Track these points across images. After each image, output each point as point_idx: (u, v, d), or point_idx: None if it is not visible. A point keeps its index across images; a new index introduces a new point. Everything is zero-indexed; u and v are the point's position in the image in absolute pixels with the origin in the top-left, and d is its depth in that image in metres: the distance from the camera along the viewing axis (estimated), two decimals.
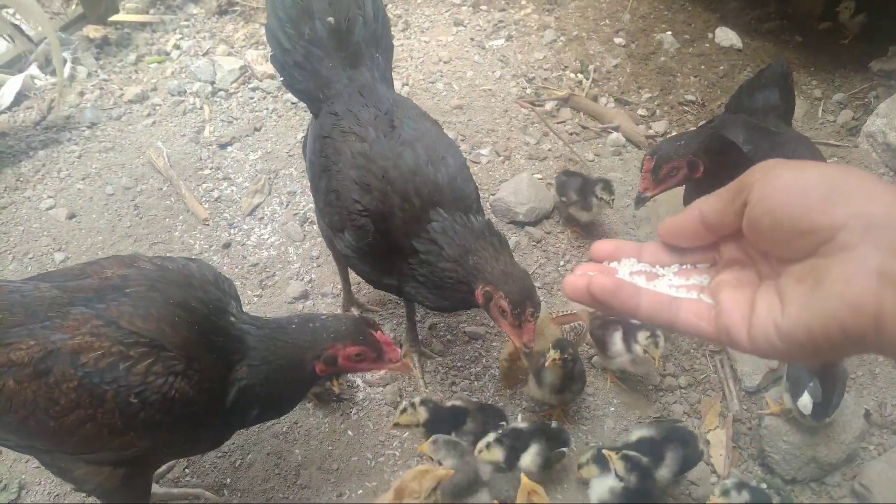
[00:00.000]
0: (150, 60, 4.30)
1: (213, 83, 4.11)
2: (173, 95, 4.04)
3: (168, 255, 3.21)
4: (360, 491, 2.50)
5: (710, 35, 4.62)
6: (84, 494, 2.40)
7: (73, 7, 4.55)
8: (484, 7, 4.77)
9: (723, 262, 0.95)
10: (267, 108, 3.99)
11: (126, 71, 4.23)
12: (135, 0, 4.64)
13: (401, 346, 2.89)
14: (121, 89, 4.08)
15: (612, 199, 3.19)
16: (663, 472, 2.35)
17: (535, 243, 3.33)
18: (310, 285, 3.11)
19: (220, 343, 1.84)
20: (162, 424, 1.75)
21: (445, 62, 4.31)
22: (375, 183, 2.23)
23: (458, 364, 2.86)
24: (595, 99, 4.13)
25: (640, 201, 2.71)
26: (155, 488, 2.32)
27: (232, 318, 1.90)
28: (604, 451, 2.31)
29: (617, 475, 2.26)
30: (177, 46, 4.38)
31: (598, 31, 4.62)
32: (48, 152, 3.70)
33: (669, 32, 4.60)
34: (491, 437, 2.34)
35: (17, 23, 4.20)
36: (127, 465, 1.89)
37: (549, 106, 4.06)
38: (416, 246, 2.21)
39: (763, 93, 2.96)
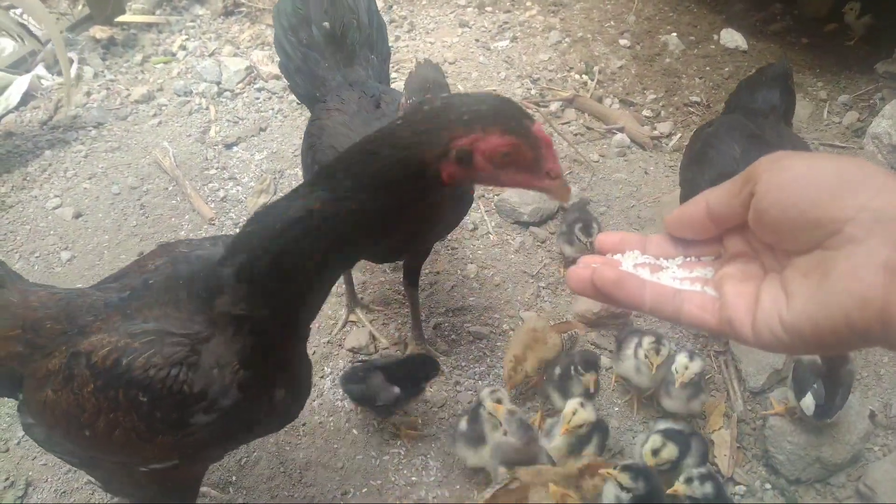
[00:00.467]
0: (157, 61, 4.32)
1: (218, 84, 4.12)
2: (179, 96, 4.06)
3: None
4: (365, 489, 2.50)
5: (716, 36, 4.61)
6: (91, 492, 2.42)
7: (80, 8, 4.58)
8: (489, 8, 4.78)
9: (727, 254, 0.95)
10: (272, 109, 4.00)
11: (132, 71, 4.25)
12: (141, 1, 4.67)
13: (406, 346, 2.91)
14: (127, 89, 4.10)
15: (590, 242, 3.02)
16: (689, 462, 2.36)
17: (539, 243, 3.33)
18: None
19: (224, 298, 1.40)
20: (185, 423, 1.48)
21: (451, 63, 4.32)
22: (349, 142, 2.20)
23: (463, 364, 2.87)
24: (600, 100, 4.14)
25: None
26: None
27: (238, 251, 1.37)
28: (602, 472, 2.19)
29: (624, 488, 2.14)
30: (183, 47, 4.40)
31: (603, 32, 4.63)
32: (55, 152, 3.72)
33: (675, 34, 4.60)
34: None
35: (25, 22, 4.22)
36: (171, 474, 1.70)
37: (553, 107, 4.06)
38: None
39: (763, 92, 2.94)
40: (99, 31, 4.37)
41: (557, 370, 2.62)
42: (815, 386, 2.40)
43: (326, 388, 2.75)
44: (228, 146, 3.77)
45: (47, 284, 1.85)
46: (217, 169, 3.65)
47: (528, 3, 4.83)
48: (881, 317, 0.71)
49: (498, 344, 2.93)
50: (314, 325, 2.96)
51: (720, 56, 4.48)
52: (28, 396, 1.69)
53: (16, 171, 3.62)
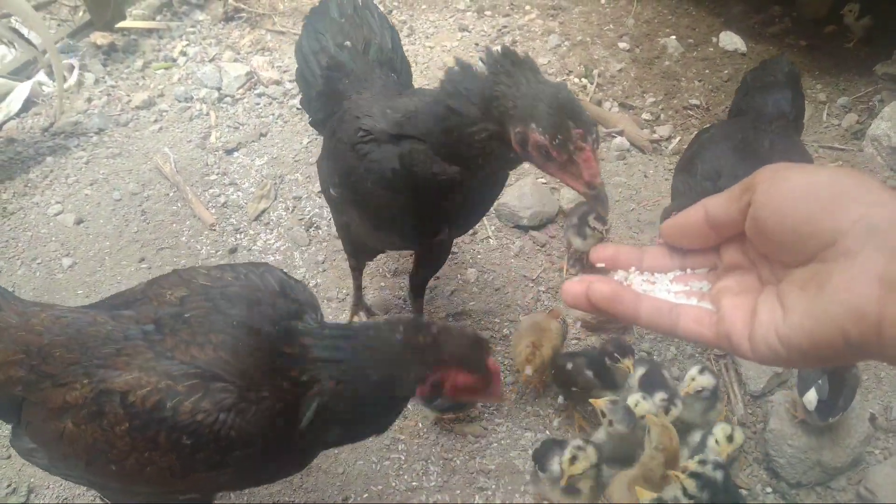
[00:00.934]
0: (157, 67, 4.32)
1: (219, 89, 4.13)
2: (180, 101, 4.07)
3: (176, 260, 3.23)
4: (366, 494, 2.51)
5: (715, 39, 4.62)
6: (92, 497, 2.43)
7: (81, 14, 4.58)
8: (488, 13, 4.78)
9: (723, 267, 0.95)
10: (273, 114, 4.01)
11: (133, 77, 4.26)
12: (141, 7, 4.68)
13: None
14: (128, 95, 4.11)
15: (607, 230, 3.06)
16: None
17: (539, 247, 3.34)
18: (315, 290, 3.13)
19: (288, 365, 1.57)
20: (225, 464, 1.55)
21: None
22: (376, 111, 2.10)
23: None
24: (599, 103, 4.14)
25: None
26: None
27: (305, 334, 1.60)
28: (671, 474, 2.20)
29: (688, 494, 2.14)
30: (183, 53, 4.41)
31: (602, 35, 4.63)
32: (56, 158, 3.73)
33: (674, 37, 4.60)
34: None
35: (20, 29, 4.22)
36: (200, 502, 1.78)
37: None
38: None
39: (772, 96, 2.86)
40: (100, 37, 4.38)
41: (590, 373, 2.60)
42: (819, 382, 2.39)
43: None
44: (229, 152, 3.78)
45: (44, 303, 1.82)
46: (218, 174, 3.66)
47: (528, 7, 4.84)
48: (876, 330, 0.71)
49: (498, 348, 2.94)
50: None
51: (719, 59, 4.48)
52: (35, 423, 1.66)
53: (17, 177, 3.63)
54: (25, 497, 2.46)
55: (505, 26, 4.65)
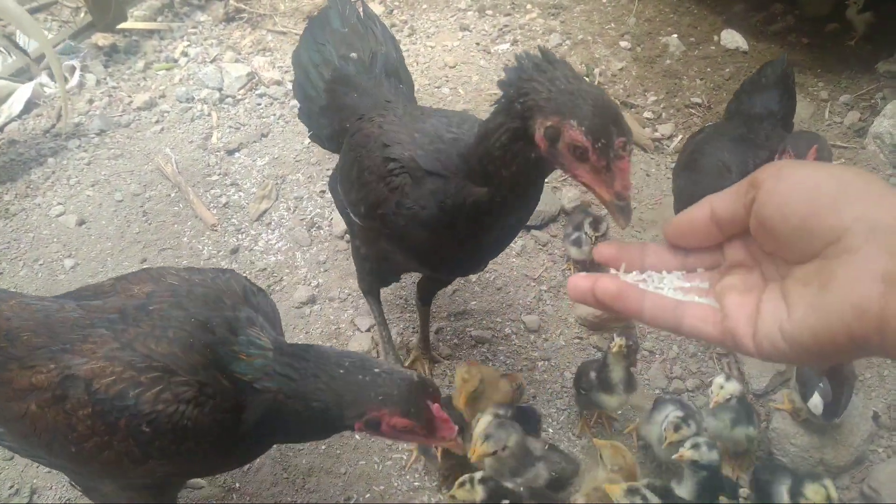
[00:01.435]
0: (159, 67, 4.33)
1: (220, 90, 4.13)
2: (181, 102, 4.07)
3: (177, 260, 3.24)
4: (368, 494, 2.51)
5: (716, 37, 4.61)
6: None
7: (82, 15, 4.59)
8: (489, 12, 4.78)
9: (727, 264, 0.95)
10: (274, 114, 4.01)
11: (134, 78, 4.27)
12: (143, 8, 4.68)
13: (409, 352, 2.91)
14: (129, 96, 4.11)
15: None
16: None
17: (541, 246, 3.33)
18: (317, 290, 3.13)
19: (242, 371, 1.65)
20: (180, 452, 1.64)
21: (451, 67, 4.32)
22: (405, 137, 2.01)
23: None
24: None
25: None
26: None
27: (261, 346, 1.68)
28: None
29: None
30: (184, 53, 4.42)
31: (603, 34, 4.63)
32: (58, 159, 3.74)
33: (675, 35, 4.59)
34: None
35: (16, 35, 4.23)
36: (152, 487, 1.85)
37: None
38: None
39: (762, 97, 2.93)
40: (101, 39, 4.39)
41: (593, 374, 2.55)
42: (821, 385, 2.40)
43: None
44: (230, 152, 3.78)
45: (14, 292, 1.88)
46: (219, 175, 3.66)
47: (529, 6, 4.84)
48: (879, 326, 0.72)
49: (500, 348, 2.94)
50: (316, 330, 2.98)
51: (721, 57, 4.48)
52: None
53: (19, 178, 3.63)
54: (28, 498, 2.46)
55: (506, 25, 4.65)
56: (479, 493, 2.16)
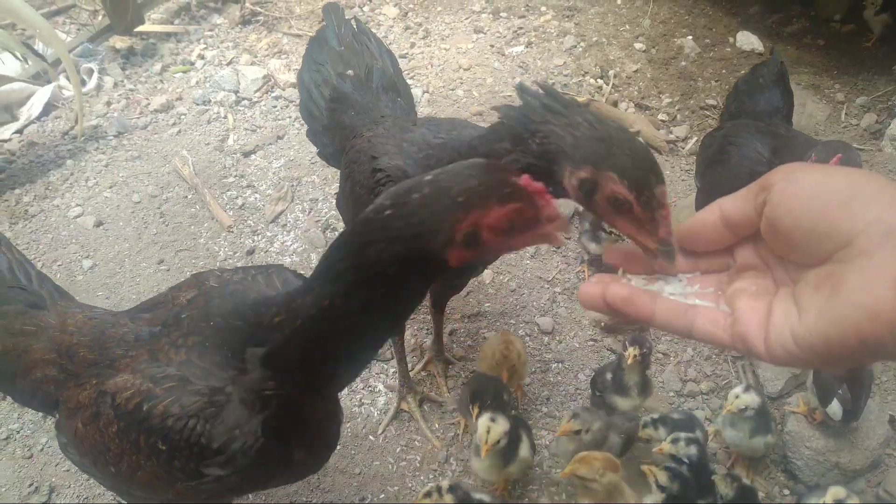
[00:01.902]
0: (175, 70, 4.37)
1: (236, 92, 4.17)
2: (198, 105, 4.11)
3: (194, 262, 3.26)
4: (383, 495, 2.52)
5: (732, 39, 4.60)
6: (112, 496, 2.46)
7: (100, 18, 4.64)
8: (504, 14, 4.79)
9: (737, 268, 0.95)
10: (290, 117, 4.03)
11: (151, 81, 4.31)
12: (160, 11, 4.73)
13: (423, 353, 2.92)
14: (147, 99, 4.15)
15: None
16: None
17: (554, 249, 3.33)
18: None
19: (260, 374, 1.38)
20: (202, 474, 1.46)
21: (465, 69, 4.33)
22: (391, 148, 2.02)
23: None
24: (615, 104, 4.13)
25: None
26: None
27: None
28: (643, 468, 2.23)
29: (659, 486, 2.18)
30: (201, 56, 4.45)
31: (618, 36, 4.62)
32: (76, 161, 3.78)
33: (690, 37, 4.58)
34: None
35: (33, 40, 4.28)
36: None
37: None
38: None
39: (765, 95, 2.94)
40: (118, 41, 4.44)
41: (608, 376, 2.55)
42: (839, 392, 2.39)
43: (344, 395, 2.76)
44: (246, 154, 3.81)
45: (87, 304, 1.85)
46: (235, 177, 3.69)
47: (543, 9, 4.84)
48: (892, 330, 0.71)
49: None
50: None
51: (736, 59, 4.46)
52: (63, 420, 1.70)
53: (38, 180, 3.68)
54: (47, 496, 2.50)
55: (520, 27, 4.66)
56: (449, 500, 2.14)
